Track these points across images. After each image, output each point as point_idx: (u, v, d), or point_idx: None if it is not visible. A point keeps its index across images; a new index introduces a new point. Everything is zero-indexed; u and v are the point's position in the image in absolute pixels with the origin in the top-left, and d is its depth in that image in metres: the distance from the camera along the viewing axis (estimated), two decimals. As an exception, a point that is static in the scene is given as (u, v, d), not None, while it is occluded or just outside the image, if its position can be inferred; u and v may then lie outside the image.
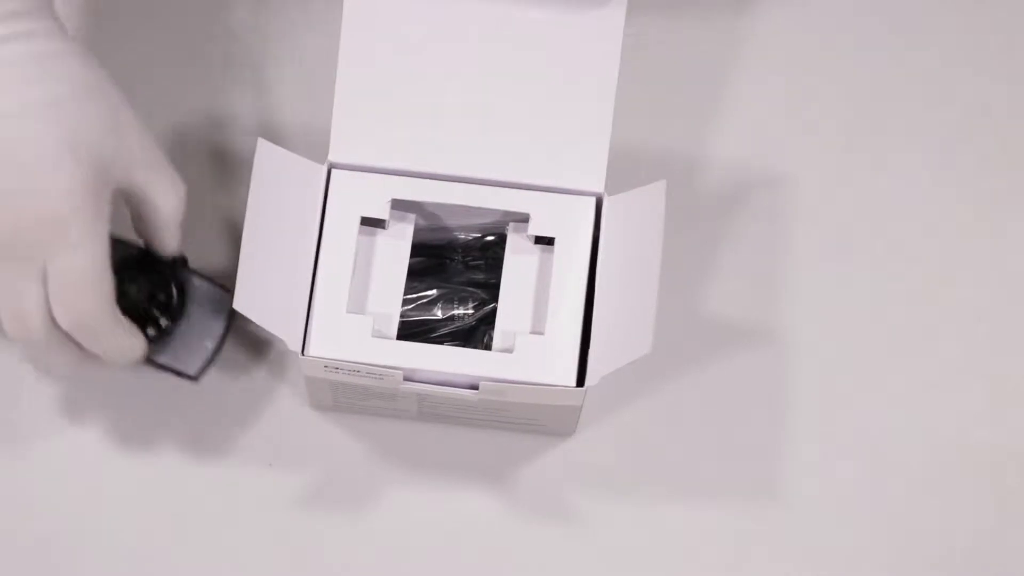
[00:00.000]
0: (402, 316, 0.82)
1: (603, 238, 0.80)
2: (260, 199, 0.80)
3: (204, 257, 0.89)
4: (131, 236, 0.84)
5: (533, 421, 0.87)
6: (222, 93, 0.94)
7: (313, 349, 0.79)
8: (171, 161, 0.80)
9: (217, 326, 0.86)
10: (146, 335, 0.83)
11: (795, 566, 0.88)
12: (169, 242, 0.82)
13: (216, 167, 0.93)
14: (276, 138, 0.80)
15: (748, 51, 0.96)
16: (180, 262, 0.85)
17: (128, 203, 0.80)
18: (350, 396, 0.85)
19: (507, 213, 0.82)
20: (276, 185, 0.80)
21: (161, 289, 0.84)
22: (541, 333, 0.80)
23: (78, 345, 0.79)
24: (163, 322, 0.84)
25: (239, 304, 0.78)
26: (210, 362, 0.86)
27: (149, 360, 0.85)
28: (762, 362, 0.91)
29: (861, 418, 0.90)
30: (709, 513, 0.89)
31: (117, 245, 0.82)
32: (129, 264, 0.83)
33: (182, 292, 0.85)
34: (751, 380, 0.91)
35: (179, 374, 0.86)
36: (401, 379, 0.79)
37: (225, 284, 0.86)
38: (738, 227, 0.93)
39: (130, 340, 0.80)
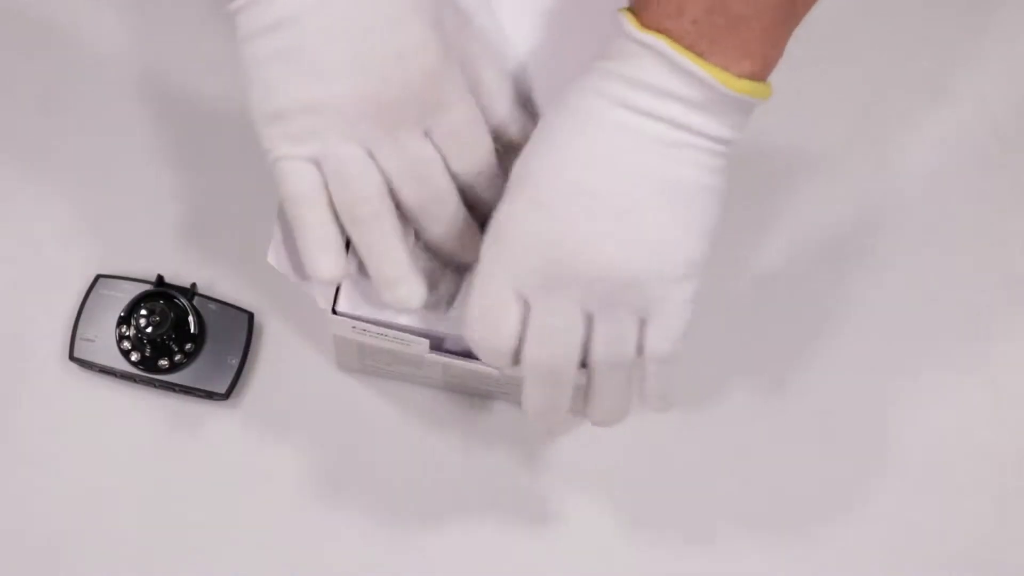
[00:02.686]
0: None
1: None
2: None
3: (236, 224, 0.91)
4: (144, 269, 0.89)
5: None
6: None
7: (343, 306, 0.77)
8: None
9: (238, 344, 0.89)
10: (173, 363, 0.88)
11: (795, 566, 0.89)
12: (498, 109, 0.76)
13: (242, 128, 0.93)
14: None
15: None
16: (192, 290, 0.89)
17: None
18: (377, 360, 0.85)
19: None
20: None
21: (181, 318, 0.88)
22: None
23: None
24: (188, 347, 0.88)
25: (272, 258, 0.78)
26: (237, 378, 0.89)
27: (178, 385, 0.88)
28: (763, 359, 0.91)
29: (861, 418, 0.91)
30: (724, 487, 0.89)
31: (132, 283, 0.89)
32: (147, 298, 0.88)
33: (200, 317, 0.89)
34: (753, 373, 0.91)
35: (209, 394, 0.88)
36: (427, 348, 0.79)
37: (236, 305, 0.90)
38: (738, 227, 0.93)
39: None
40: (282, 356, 0.91)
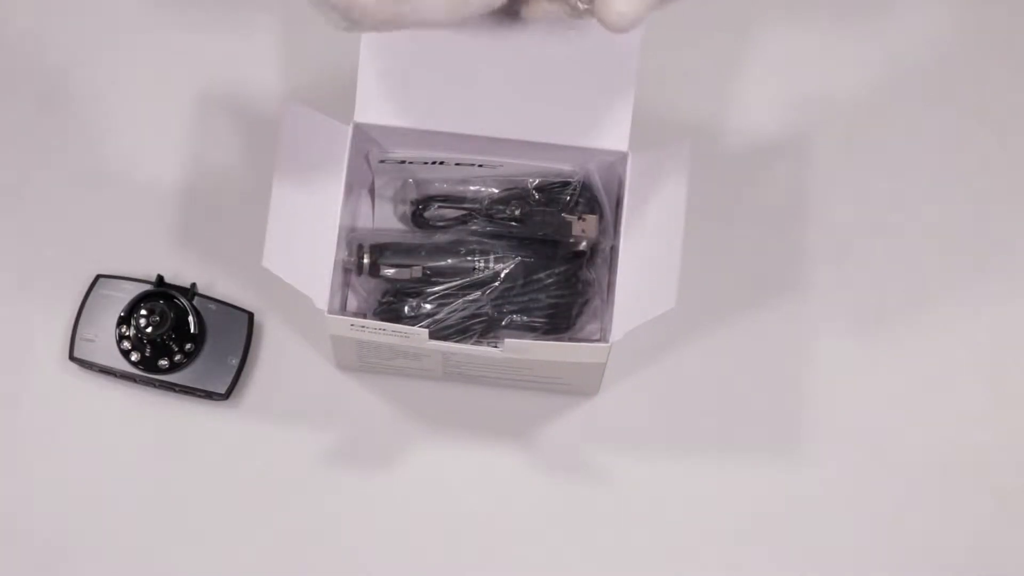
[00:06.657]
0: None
1: (627, 195, 0.80)
2: (287, 159, 0.80)
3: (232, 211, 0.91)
4: (144, 269, 0.89)
5: (557, 380, 0.87)
6: (247, 55, 0.95)
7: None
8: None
9: (238, 344, 0.89)
10: (172, 363, 0.87)
11: (795, 566, 0.89)
12: None
13: (241, 129, 0.93)
14: (302, 99, 0.81)
15: (750, 59, 0.96)
16: (192, 290, 0.89)
17: None
18: (376, 356, 0.85)
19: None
20: (302, 145, 0.80)
21: (181, 318, 0.88)
22: None
23: None
24: (188, 347, 0.88)
25: (268, 262, 0.78)
26: (237, 378, 0.88)
27: (178, 385, 0.88)
28: (761, 358, 0.91)
29: (861, 418, 0.91)
30: (726, 478, 0.89)
31: (132, 283, 0.89)
32: (147, 298, 0.88)
33: (200, 317, 0.88)
34: (750, 372, 0.91)
35: (209, 395, 0.88)
36: (427, 337, 0.79)
37: (236, 305, 0.90)
38: (738, 226, 0.93)
39: None
40: (282, 356, 0.91)
